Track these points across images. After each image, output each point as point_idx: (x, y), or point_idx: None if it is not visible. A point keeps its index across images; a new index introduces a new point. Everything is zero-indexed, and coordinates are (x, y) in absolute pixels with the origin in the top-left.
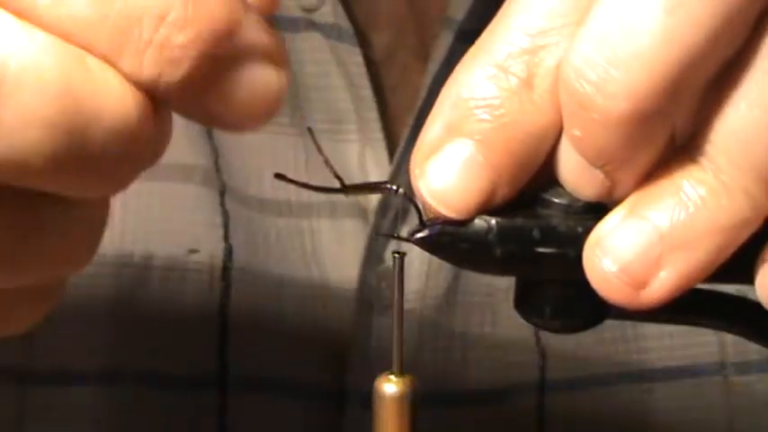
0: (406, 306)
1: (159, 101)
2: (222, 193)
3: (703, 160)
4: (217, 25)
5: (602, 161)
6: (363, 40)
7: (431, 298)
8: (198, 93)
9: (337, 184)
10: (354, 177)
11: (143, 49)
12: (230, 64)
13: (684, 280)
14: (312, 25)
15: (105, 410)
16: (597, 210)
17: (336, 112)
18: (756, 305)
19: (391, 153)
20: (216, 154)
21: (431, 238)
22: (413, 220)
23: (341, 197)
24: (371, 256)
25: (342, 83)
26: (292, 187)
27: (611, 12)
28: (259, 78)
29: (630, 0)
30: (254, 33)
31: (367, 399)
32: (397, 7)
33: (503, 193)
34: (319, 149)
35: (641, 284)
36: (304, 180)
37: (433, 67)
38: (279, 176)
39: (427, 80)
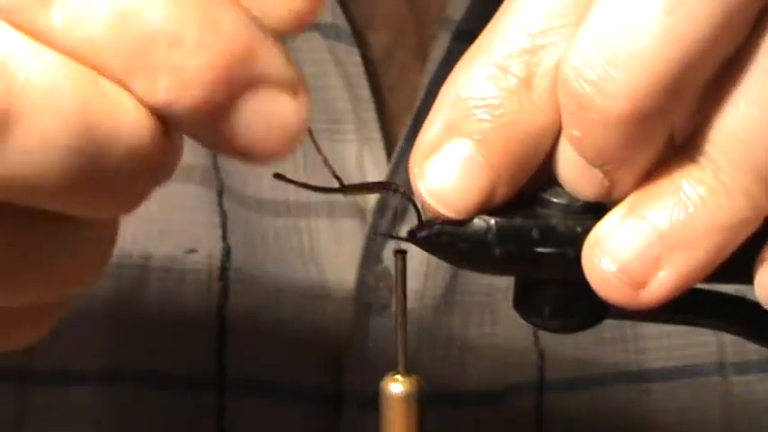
0: None
1: (171, 123)
2: (220, 193)
3: (703, 160)
4: (232, 50)
5: (601, 161)
6: (361, 40)
7: (429, 298)
8: (210, 118)
9: (336, 184)
10: (352, 177)
11: (157, 72)
12: (245, 91)
13: (684, 280)
14: (310, 25)
15: (105, 410)
16: (596, 209)
17: (334, 112)
18: (755, 305)
19: (389, 153)
20: (214, 154)
21: (430, 238)
22: (411, 220)
23: (339, 197)
24: (369, 256)
25: (340, 83)
26: (290, 187)
27: (611, 11)
28: (274, 107)
29: (630, 0)
30: (271, 61)
31: (364, 400)
32: (396, 7)
33: (502, 192)
34: (318, 149)
35: (640, 284)
36: (303, 180)
37: (432, 67)
38: (278, 176)
39: (425, 80)
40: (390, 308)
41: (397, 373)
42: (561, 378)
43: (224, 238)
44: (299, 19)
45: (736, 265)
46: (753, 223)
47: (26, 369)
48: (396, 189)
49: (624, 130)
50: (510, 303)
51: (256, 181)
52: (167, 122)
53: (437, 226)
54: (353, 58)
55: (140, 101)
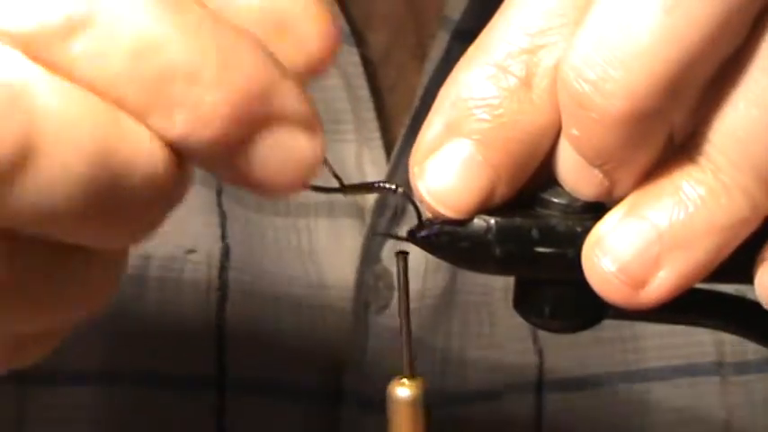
0: None
1: (186, 155)
2: (219, 193)
3: (702, 160)
4: (250, 87)
5: (600, 160)
6: (360, 40)
7: (428, 298)
8: (226, 153)
9: (335, 184)
10: (351, 177)
11: (174, 107)
12: (261, 127)
13: (683, 279)
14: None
15: (105, 410)
16: (596, 209)
17: (333, 112)
18: (755, 305)
19: (388, 152)
20: None
21: (430, 238)
22: (410, 220)
23: (338, 197)
24: (368, 256)
25: (339, 82)
26: None
27: (610, 11)
28: (290, 144)
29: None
30: (288, 98)
31: (364, 399)
32: (394, 7)
33: (502, 192)
34: None
35: (640, 284)
36: None
37: (430, 66)
38: None
39: (424, 80)
40: (389, 307)
41: (404, 376)
42: (560, 378)
43: (223, 237)
44: (314, 64)
45: (736, 264)
46: (752, 223)
47: (26, 369)
48: (395, 189)
49: (624, 129)
50: (509, 303)
51: None
52: (181, 153)
53: (437, 226)
54: (352, 57)
55: (157, 134)
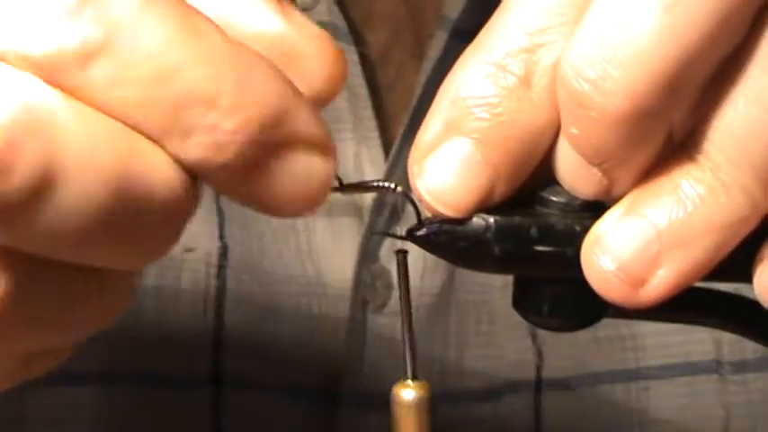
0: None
1: (201, 178)
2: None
3: (701, 158)
4: (266, 112)
5: (599, 159)
6: (359, 39)
7: (426, 296)
8: (241, 177)
9: (333, 183)
10: (350, 176)
11: (191, 132)
12: (276, 151)
13: (682, 278)
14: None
15: (104, 410)
16: (595, 208)
17: (332, 111)
18: (754, 303)
19: (387, 151)
20: None
21: (429, 237)
22: (408, 219)
23: (337, 196)
24: (366, 255)
25: None
26: None
27: (609, 10)
28: (304, 167)
29: None
30: (303, 122)
31: (363, 398)
32: (393, 6)
33: (501, 191)
34: None
35: (639, 283)
36: None
37: (428, 65)
38: None
39: (422, 79)
40: (387, 306)
41: (407, 378)
42: (559, 376)
43: (221, 236)
44: (317, 100)
45: (735, 263)
46: (751, 221)
47: None
48: (395, 188)
49: (623, 128)
50: (507, 302)
51: None
52: (195, 174)
53: (436, 225)
54: (351, 56)
55: (174, 157)
